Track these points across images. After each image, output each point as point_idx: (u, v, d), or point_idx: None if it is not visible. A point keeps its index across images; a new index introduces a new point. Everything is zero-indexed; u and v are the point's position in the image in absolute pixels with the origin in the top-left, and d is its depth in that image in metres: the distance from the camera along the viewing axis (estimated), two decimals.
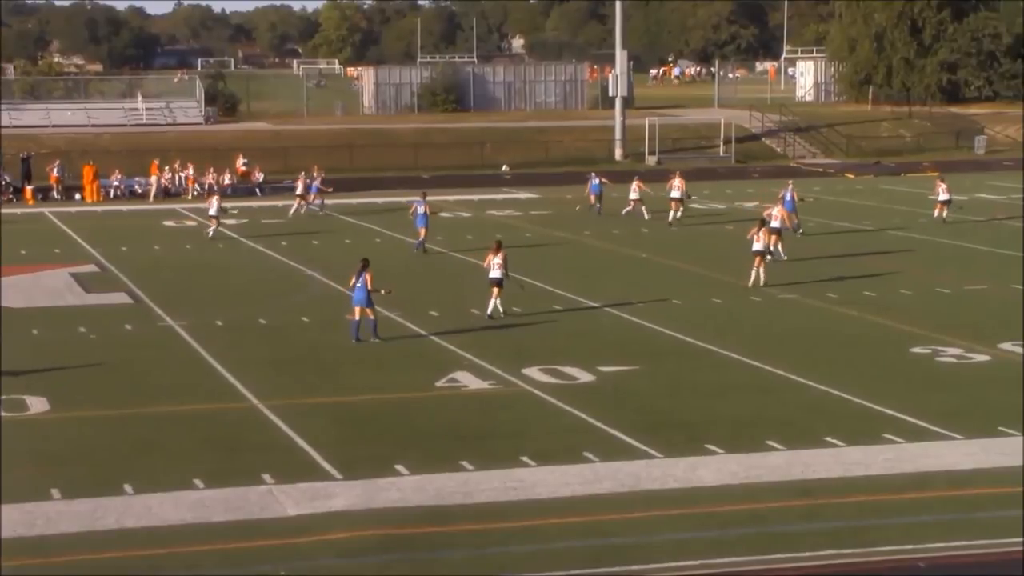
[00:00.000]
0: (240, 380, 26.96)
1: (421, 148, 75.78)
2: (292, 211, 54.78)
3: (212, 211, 48.67)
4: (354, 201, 59.96)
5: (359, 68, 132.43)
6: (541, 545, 17.82)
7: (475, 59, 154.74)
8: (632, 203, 52.05)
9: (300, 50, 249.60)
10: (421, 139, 78.63)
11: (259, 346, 30.44)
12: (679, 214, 50.98)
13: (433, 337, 30.96)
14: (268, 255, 44.43)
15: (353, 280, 30.40)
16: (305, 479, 20.50)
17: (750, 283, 36.88)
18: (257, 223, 52.88)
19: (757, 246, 37.06)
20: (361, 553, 17.56)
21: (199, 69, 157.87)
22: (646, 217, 50.92)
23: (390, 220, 52.76)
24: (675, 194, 50.91)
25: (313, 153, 70.73)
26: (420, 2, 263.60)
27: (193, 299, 36.21)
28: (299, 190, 55.41)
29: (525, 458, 21.51)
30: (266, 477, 20.53)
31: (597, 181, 55.11)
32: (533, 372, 27.39)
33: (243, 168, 67.24)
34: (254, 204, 60.30)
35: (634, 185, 52.44)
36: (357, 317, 30.41)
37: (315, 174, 62.42)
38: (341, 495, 19.77)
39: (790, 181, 51.87)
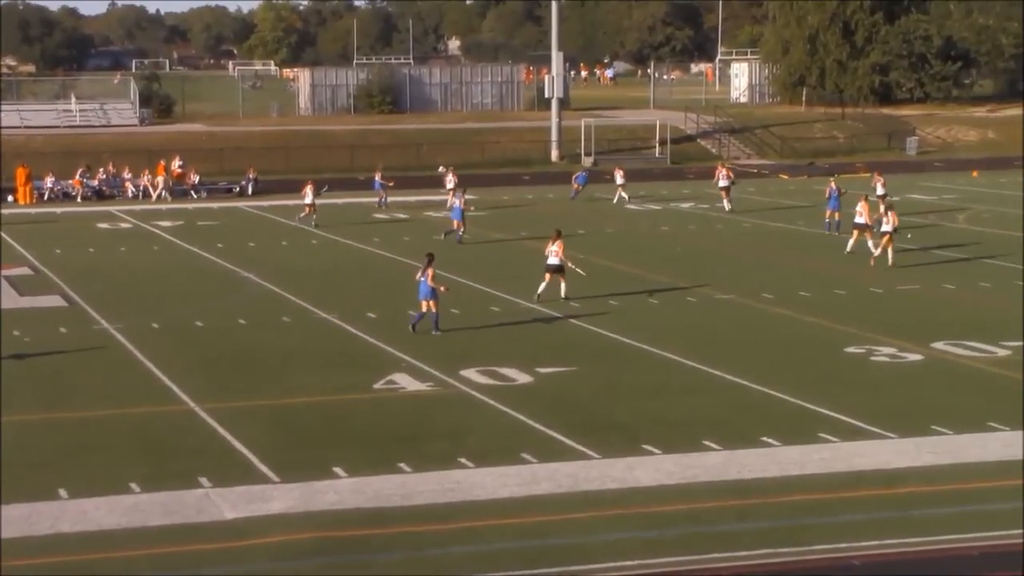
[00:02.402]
0: (176, 383, 26.81)
1: (357, 149, 75.58)
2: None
3: (308, 199, 50.95)
4: (290, 203, 59.69)
5: (295, 69, 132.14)
6: (479, 546, 17.85)
7: (411, 60, 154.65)
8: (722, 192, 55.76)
9: (236, 51, 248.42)
10: (357, 140, 78.46)
11: (196, 348, 30.28)
12: (725, 204, 55.37)
13: (370, 339, 30.92)
14: (204, 257, 44.20)
15: (419, 275, 31.19)
16: (242, 482, 20.41)
17: (872, 259, 40.75)
18: (193, 225, 52.62)
19: (886, 227, 40.62)
20: (299, 556, 17.51)
21: (133, 70, 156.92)
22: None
23: (326, 222, 52.54)
24: (723, 183, 55.37)
25: (249, 155, 70.53)
26: (356, 3, 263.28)
27: (129, 302, 35.97)
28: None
29: (463, 460, 21.52)
30: (203, 480, 20.43)
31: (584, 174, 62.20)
32: (471, 374, 27.41)
33: (179, 170, 66.82)
34: (190, 206, 60.01)
35: (723, 171, 56.27)
36: (423, 310, 31.20)
37: (251, 175, 62.50)
38: (278, 498, 19.71)
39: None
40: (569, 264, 35.20)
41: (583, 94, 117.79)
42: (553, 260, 34.90)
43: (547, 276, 35.09)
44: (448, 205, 55.03)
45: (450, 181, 56.23)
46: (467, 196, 48.22)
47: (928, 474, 20.86)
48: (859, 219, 42.71)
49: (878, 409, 24.53)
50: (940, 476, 20.71)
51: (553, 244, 34.95)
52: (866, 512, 19.17)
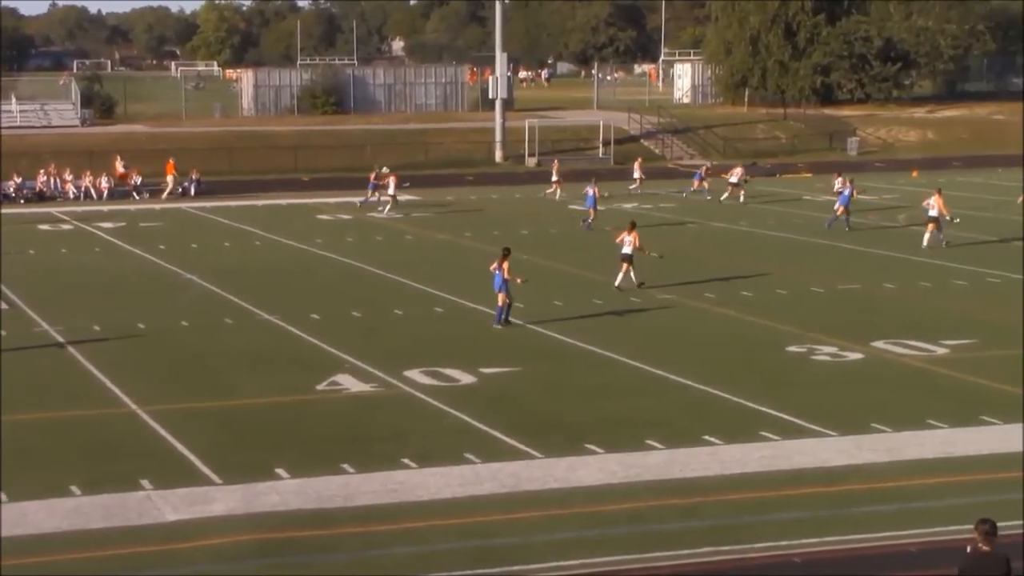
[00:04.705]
0: (118, 385, 26.66)
1: (301, 150, 75.40)
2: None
3: (391, 191, 53.89)
4: (233, 204, 59.55)
5: (238, 70, 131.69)
6: (423, 547, 17.87)
7: (355, 61, 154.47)
8: (730, 188, 59.96)
9: (178, 52, 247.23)
10: (301, 142, 78.23)
11: (138, 351, 30.11)
12: (740, 198, 59.27)
13: (314, 340, 30.85)
14: (146, 259, 43.95)
15: (493, 266, 31.92)
16: (184, 484, 20.34)
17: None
18: (135, 226, 52.34)
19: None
20: (241, 558, 17.47)
21: (75, 71, 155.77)
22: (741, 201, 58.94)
23: (270, 223, 52.44)
24: (734, 180, 59.84)
25: (192, 156, 70.09)
26: (299, 4, 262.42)
27: (70, 304, 35.73)
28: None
29: (406, 460, 21.53)
30: (144, 483, 20.34)
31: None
32: (415, 374, 27.41)
33: (121, 171, 66.43)
34: (132, 207, 59.67)
35: (738, 170, 60.76)
36: (500, 303, 31.90)
37: (193, 176, 62.22)
38: (220, 500, 19.66)
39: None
40: (644, 252, 36.86)
41: (527, 95, 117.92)
42: (626, 249, 36.47)
43: (623, 266, 36.61)
44: (549, 194, 59.95)
45: (554, 174, 61.38)
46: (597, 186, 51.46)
47: (867, 471, 21.05)
48: (932, 212, 44.46)
49: (819, 407, 24.72)
50: (879, 473, 20.91)
51: (628, 235, 36.60)
52: (807, 510, 19.34)
